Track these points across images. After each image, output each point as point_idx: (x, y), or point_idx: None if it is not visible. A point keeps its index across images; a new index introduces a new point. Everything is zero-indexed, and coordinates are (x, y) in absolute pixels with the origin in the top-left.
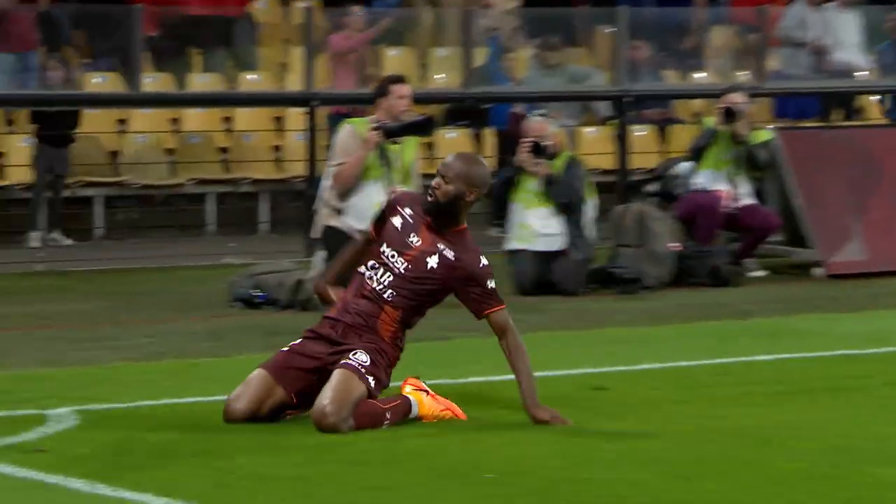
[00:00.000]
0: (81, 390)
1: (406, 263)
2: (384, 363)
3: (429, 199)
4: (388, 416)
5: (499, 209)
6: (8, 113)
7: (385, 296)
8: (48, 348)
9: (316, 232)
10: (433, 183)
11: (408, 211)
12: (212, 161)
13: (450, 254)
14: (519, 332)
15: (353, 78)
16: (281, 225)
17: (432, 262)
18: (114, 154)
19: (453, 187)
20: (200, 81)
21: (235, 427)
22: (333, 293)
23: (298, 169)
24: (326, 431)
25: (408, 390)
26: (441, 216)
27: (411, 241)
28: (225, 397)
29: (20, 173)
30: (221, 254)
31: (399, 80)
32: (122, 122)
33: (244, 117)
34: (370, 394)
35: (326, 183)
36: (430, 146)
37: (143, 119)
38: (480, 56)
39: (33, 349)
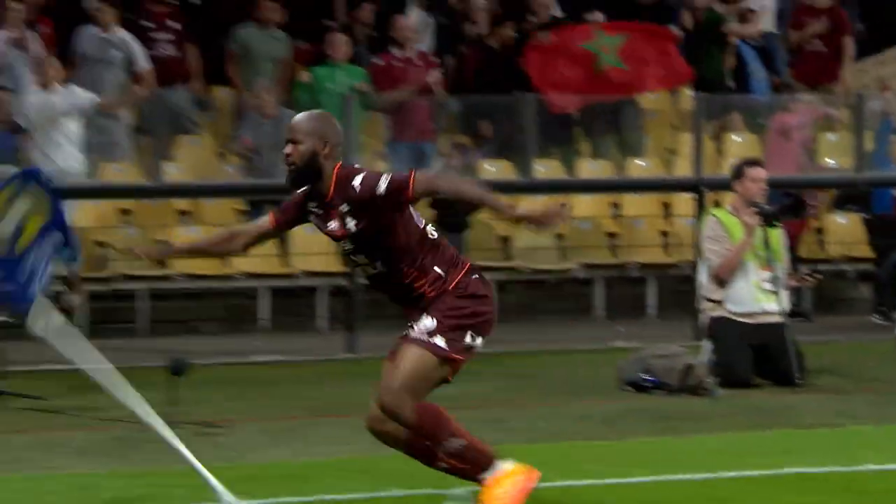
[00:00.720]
0: None
1: (346, 242)
2: (459, 314)
3: (289, 169)
4: (458, 442)
5: (886, 295)
6: None
7: (383, 269)
8: None
9: (702, 324)
10: (286, 152)
11: (312, 205)
12: (600, 246)
13: (345, 207)
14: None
15: (794, 163)
16: (668, 309)
17: (349, 223)
18: (505, 239)
19: (305, 146)
20: (589, 167)
21: None
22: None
23: (686, 254)
24: (386, 412)
25: (510, 464)
26: (306, 178)
27: (330, 228)
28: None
29: None
30: (610, 337)
31: (755, 163)
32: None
33: (632, 203)
34: (443, 354)
35: (702, 278)
36: (819, 231)
37: (532, 204)
38: (868, 140)
39: None
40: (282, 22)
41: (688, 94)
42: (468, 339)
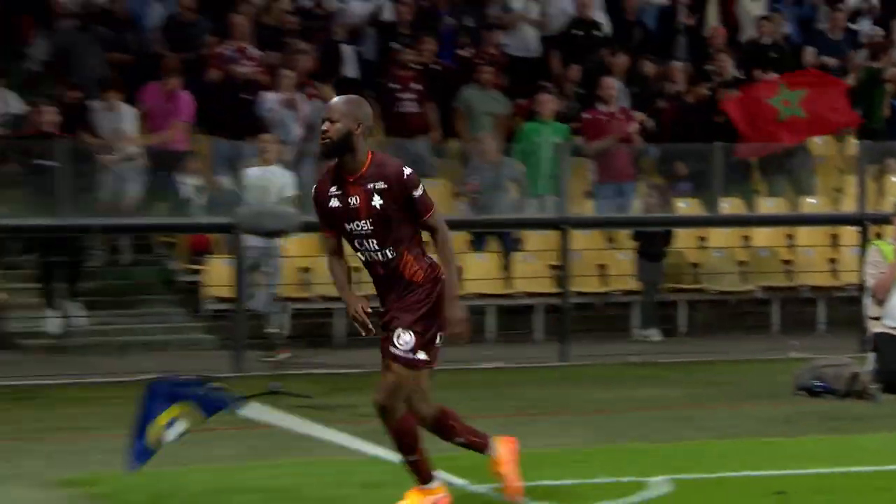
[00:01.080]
0: (675, 462)
1: (364, 221)
2: (430, 318)
3: (323, 143)
4: (413, 457)
5: None
6: (608, 232)
7: (389, 256)
8: (644, 427)
9: (867, 338)
10: (323, 128)
11: (332, 190)
12: (776, 271)
13: (379, 184)
14: (447, 228)
15: None
16: (836, 325)
17: (376, 201)
18: (694, 265)
19: (341, 125)
20: (767, 205)
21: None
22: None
23: (851, 278)
24: (380, 415)
25: (499, 441)
26: (339, 153)
27: (351, 204)
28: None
29: (619, 281)
30: (785, 350)
31: None
32: (702, 238)
33: (804, 234)
34: (425, 366)
35: (867, 300)
36: None
37: (719, 236)
38: None
39: (632, 427)
40: (500, 84)
41: (852, 142)
42: (438, 341)
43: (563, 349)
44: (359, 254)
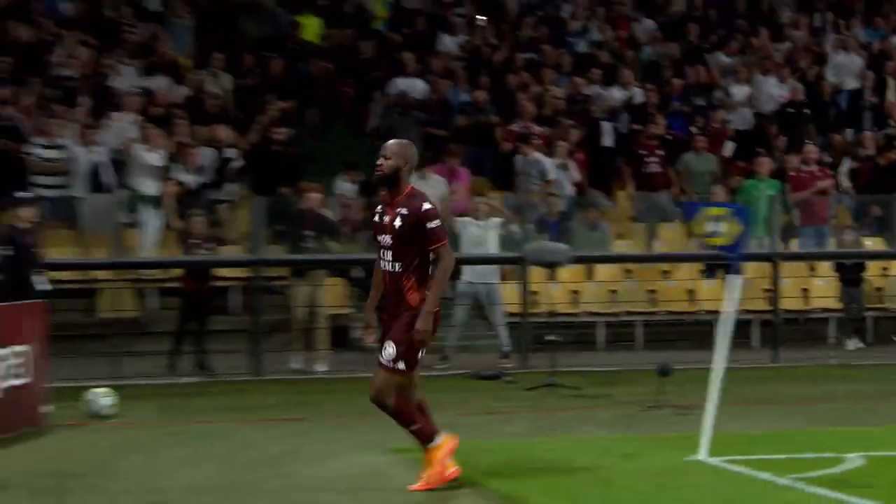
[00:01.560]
0: (866, 443)
1: (388, 235)
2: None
3: (377, 174)
4: (415, 425)
5: None
6: (809, 263)
7: (397, 270)
8: (840, 415)
9: None
10: (378, 163)
11: (379, 208)
12: None
13: (403, 210)
14: (451, 261)
15: None
16: None
17: (397, 222)
18: (879, 289)
19: (392, 162)
20: None
21: None
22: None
23: None
24: (377, 407)
25: (445, 435)
26: (388, 183)
27: (384, 221)
28: None
29: (818, 301)
30: None
31: None
32: (885, 268)
33: None
34: (403, 374)
35: None
36: None
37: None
38: None
39: (831, 415)
40: (712, 149)
41: None
42: (420, 355)
43: (775, 354)
44: (381, 262)
